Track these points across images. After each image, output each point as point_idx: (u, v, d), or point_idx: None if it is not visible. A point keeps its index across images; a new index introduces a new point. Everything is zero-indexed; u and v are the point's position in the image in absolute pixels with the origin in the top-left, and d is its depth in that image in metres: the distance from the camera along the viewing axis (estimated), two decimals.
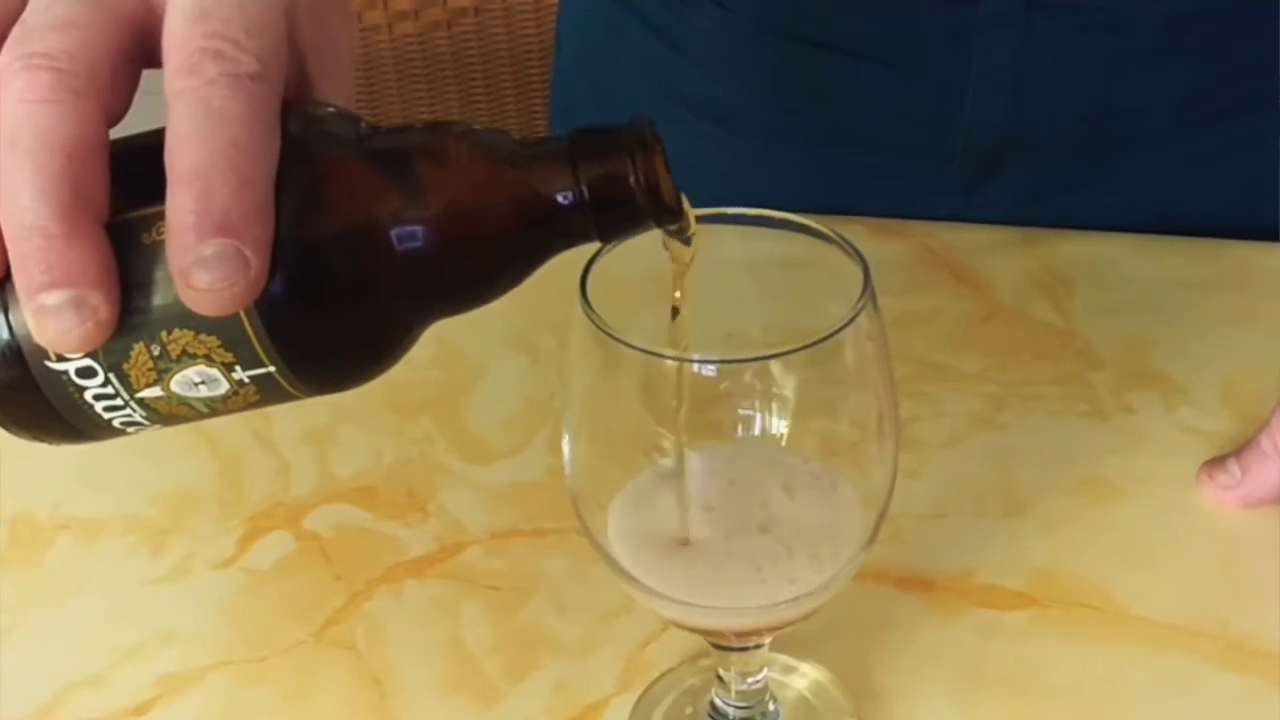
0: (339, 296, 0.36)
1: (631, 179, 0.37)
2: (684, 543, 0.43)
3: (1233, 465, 0.55)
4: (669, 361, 0.39)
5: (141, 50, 0.37)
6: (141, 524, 0.59)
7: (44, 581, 0.57)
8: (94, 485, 0.61)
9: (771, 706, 0.49)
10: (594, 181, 0.37)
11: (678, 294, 0.41)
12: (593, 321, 0.39)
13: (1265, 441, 0.54)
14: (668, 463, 0.42)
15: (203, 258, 0.33)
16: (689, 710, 0.50)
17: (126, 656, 0.54)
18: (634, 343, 0.38)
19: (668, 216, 0.38)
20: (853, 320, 0.39)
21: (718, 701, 0.49)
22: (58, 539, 0.59)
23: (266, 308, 0.35)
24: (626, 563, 0.43)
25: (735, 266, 0.43)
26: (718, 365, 0.39)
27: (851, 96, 0.74)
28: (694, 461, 0.42)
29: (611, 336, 0.38)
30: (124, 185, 0.35)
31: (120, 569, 0.57)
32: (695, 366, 0.39)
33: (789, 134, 0.76)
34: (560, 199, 0.37)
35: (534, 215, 0.37)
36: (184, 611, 0.56)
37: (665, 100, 0.79)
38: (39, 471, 0.61)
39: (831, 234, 0.41)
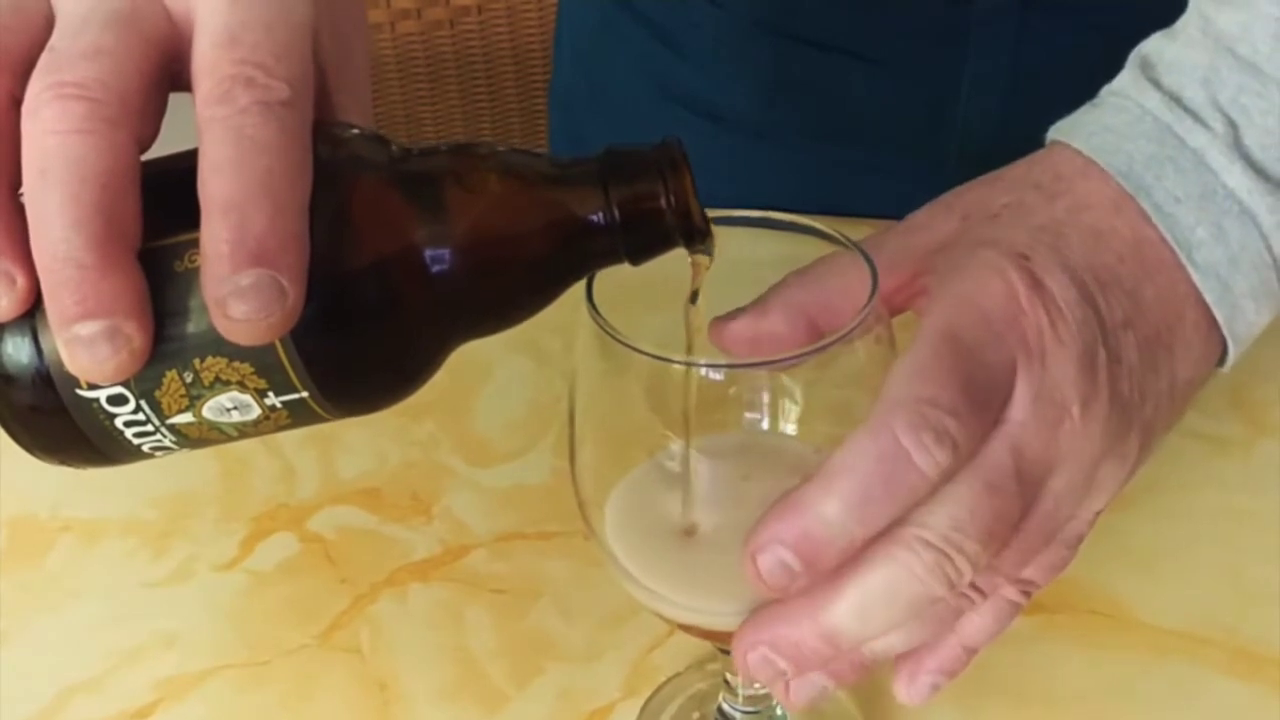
0: (374, 322, 0.36)
1: (662, 200, 0.37)
2: (684, 539, 0.42)
3: None
4: (676, 365, 0.39)
5: (169, 74, 0.37)
6: (143, 526, 0.59)
7: (44, 584, 0.57)
8: (95, 487, 0.60)
9: (779, 711, 0.49)
10: (625, 203, 0.37)
11: (696, 284, 0.40)
12: (599, 325, 0.39)
13: None
14: (669, 459, 0.42)
15: (239, 288, 0.33)
16: (695, 716, 0.50)
17: (127, 660, 0.53)
18: (641, 346, 0.38)
19: (698, 237, 0.38)
20: (860, 322, 0.38)
21: (725, 706, 0.49)
22: (58, 541, 0.59)
23: (301, 334, 0.35)
24: (623, 557, 0.42)
25: (740, 268, 0.43)
26: (725, 369, 0.39)
27: (847, 95, 0.74)
28: (700, 456, 0.42)
29: (618, 340, 0.38)
30: (154, 211, 0.35)
31: (121, 571, 0.57)
32: (703, 370, 0.39)
33: (785, 132, 0.76)
34: (592, 221, 0.37)
35: (566, 237, 0.37)
36: (185, 614, 0.55)
37: (661, 98, 0.79)
38: (39, 472, 0.60)
39: (841, 237, 0.41)
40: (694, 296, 0.41)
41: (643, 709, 0.50)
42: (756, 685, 0.48)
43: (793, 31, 0.73)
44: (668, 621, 0.44)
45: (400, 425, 0.63)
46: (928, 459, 0.37)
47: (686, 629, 0.44)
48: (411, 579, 0.56)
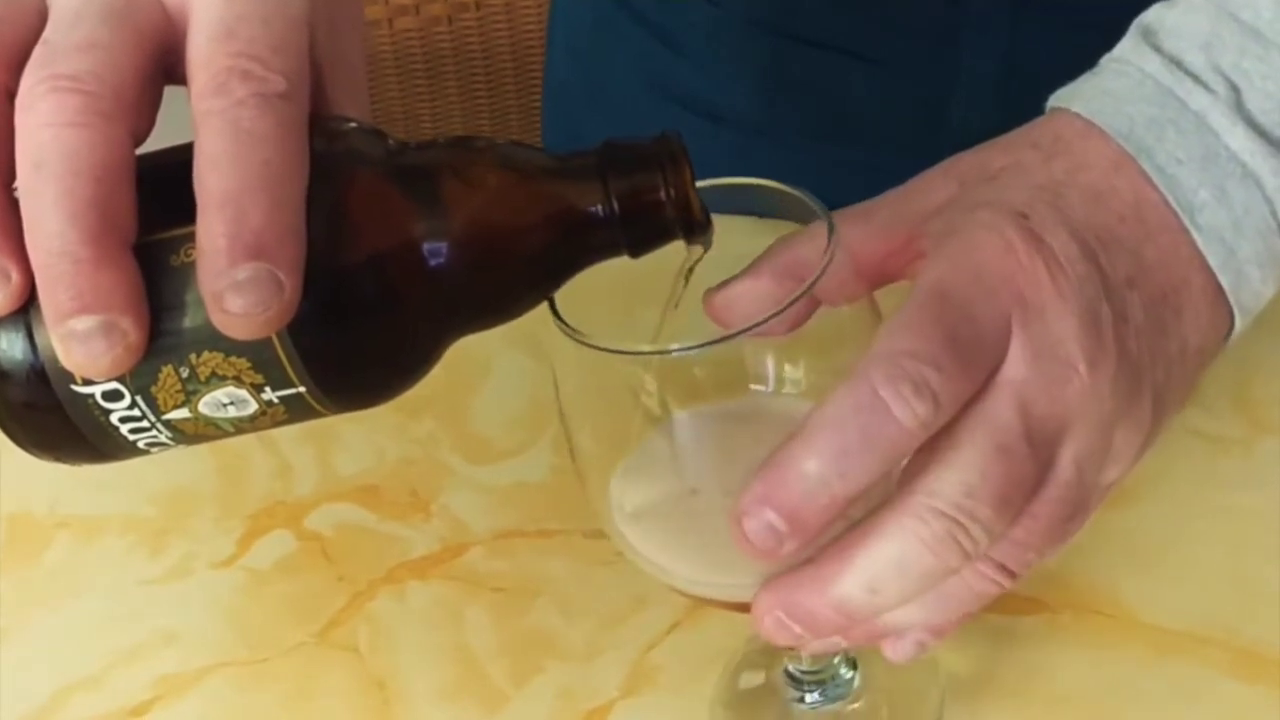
0: (371, 316, 0.36)
1: (662, 193, 0.37)
2: (693, 515, 0.42)
3: None
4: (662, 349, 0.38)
5: (163, 67, 0.36)
6: (141, 523, 0.59)
7: (42, 581, 0.57)
8: (93, 483, 0.60)
9: (845, 672, 0.48)
10: (624, 196, 0.37)
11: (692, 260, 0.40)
12: (560, 328, 0.38)
13: None
14: (665, 437, 0.41)
15: (236, 282, 0.33)
16: (761, 677, 0.50)
17: (125, 657, 0.53)
18: (596, 341, 0.38)
19: (697, 229, 0.38)
20: (823, 272, 0.38)
21: (790, 668, 0.48)
22: (56, 538, 0.58)
23: (298, 329, 0.35)
24: (636, 541, 0.42)
25: (737, 262, 0.43)
26: (699, 350, 0.37)
27: (843, 94, 0.74)
28: (696, 431, 0.42)
29: (576, 339, 0.38)
30: (149, 205, 0.35)
31: (119, 568, 0.57)
32: (677, 354, 0.38)
33: (781, 130, 0.76)
34: (591, 214, 0.37)
35: (565, 231, 0.37)
36: (183, 612, 0.55)
37: (659, 96, 0.79)
38: (37, 469, 0.60)
39: (795, 191, 0.41)
40: (688, 274, 0.40)
41: (724, 673, 0.50)
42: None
43: (790, 30, 0.73)
44: (691, 598, 0.43)
45: (398, 422, 0.62)
46: (906, 410, 0.36)
47: (710, 604, 0.43)
48: (410, 577, 0.56)
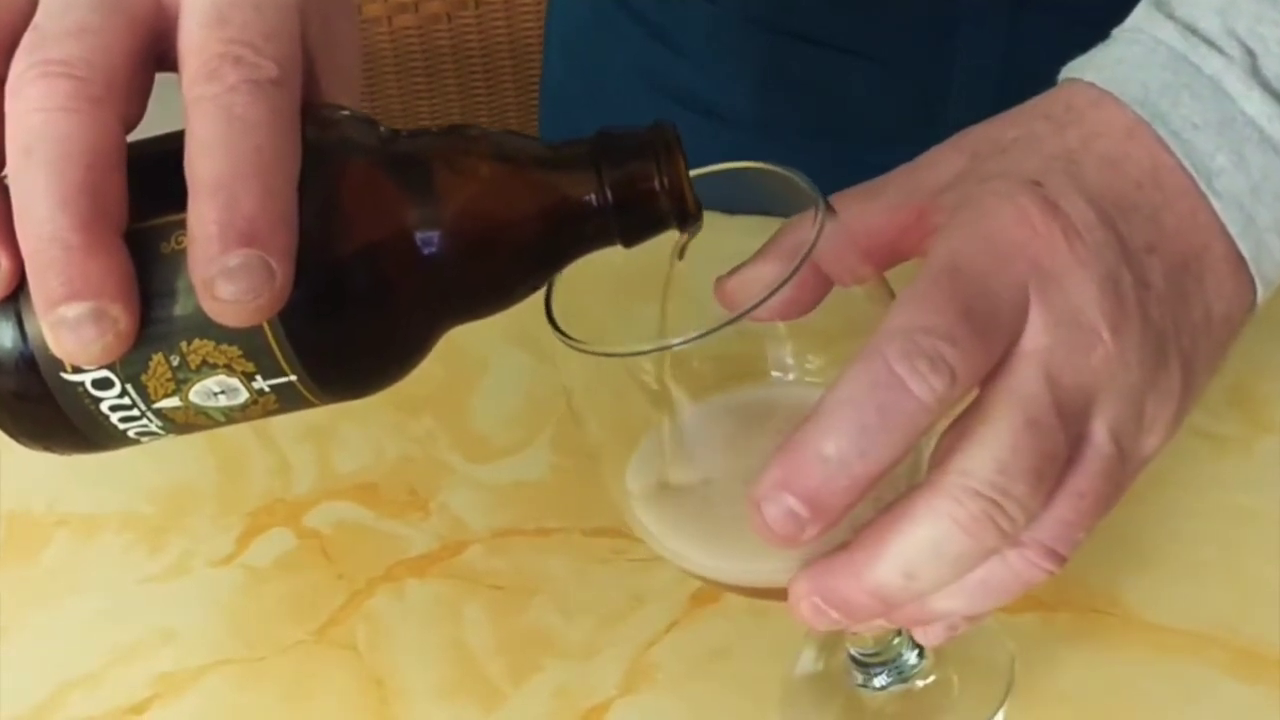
0: (363, 305, 0.36)
1: (656, 182, 0.36)
2: (714, 504, 0.41)
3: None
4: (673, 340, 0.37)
5: (155, 54, 0.36)
6: (139, 521, 0.59)
7: (40, 579, 0.57)
8: (91, 481, 0.60)
9: (909, 656, 0.48)
10: (618, 185, 0.36)
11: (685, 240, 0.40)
12: (560, 339, 0.38)
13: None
14: (676, 428, 0.41)
15: (228, 269, 0.33)
16: (821, 663, 0.50)
17: (123, 655, 0.53)
18: (588, 346, 0.38)
19: (690, 219, 0.37)
20: (814, 246, 0.37)
21: (852, 651, 0.48)
22: (55, 535, 0.58)
23: (289, 317, 0.34)
24: (660, 533, 0.42)
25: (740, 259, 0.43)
26: (700, 340, 0.37)
27: (842, 92, 0.74)
28: (709, 415, 0.41)
29: (577, 348, 0.38)
30: (140, 192, 0.34)
31: (118, 566, 0.57)
32: (679, 347, 0.37)
33: (779, 128, 0.76)
34: (585, 203, 0.36)
35: (558, 220, 0.37)
36: (182, 610, 0.55)
37: (657, 95, 0.79)
38: (36, 466, 0.60)
39: (786, 173, 0.41)
40: (681, 251, 0.40)
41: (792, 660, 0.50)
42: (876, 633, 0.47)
43: (788, 28, 0.73)
44: (717, 586, 0.42)
45: (397, 420, 0.62)
46: (923, 386, 0.36)
47: (737, 591, 0.43)
48: (409, 575, 0.56)
